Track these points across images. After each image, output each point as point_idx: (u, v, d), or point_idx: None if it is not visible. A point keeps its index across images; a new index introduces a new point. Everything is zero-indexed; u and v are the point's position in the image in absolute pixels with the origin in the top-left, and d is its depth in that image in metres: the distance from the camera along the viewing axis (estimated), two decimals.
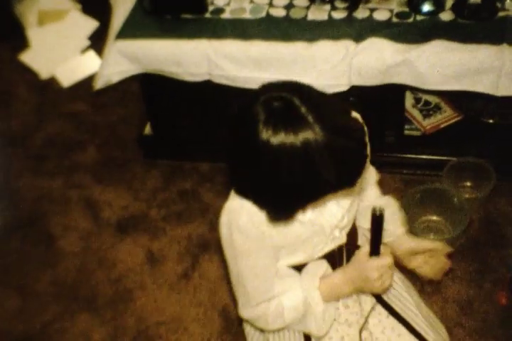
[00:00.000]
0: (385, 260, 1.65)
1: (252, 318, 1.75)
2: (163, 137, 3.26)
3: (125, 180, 3.25)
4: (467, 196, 2.80)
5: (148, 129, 3.26)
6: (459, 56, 2.49)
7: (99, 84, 2.88)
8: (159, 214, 3.09)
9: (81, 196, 3.20)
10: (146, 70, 2.84)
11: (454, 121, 3.03)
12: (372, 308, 1.89)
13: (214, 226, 2.95)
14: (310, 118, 1.31)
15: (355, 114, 1.49)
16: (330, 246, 1.75)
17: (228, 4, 2.81)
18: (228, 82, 2.76)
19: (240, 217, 1.57)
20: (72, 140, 3.45)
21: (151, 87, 3.03)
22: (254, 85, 2.66)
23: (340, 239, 1.78)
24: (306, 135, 1.31)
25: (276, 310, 1.70)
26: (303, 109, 1.32)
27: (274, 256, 1.67)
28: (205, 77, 2.77)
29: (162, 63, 2.77)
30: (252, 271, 1.66)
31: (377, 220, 1.56)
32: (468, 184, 2.89)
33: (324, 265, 1.76)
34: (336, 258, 1.80)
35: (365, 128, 1.45)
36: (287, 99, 1.34)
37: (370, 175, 1.90)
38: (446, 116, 3.04)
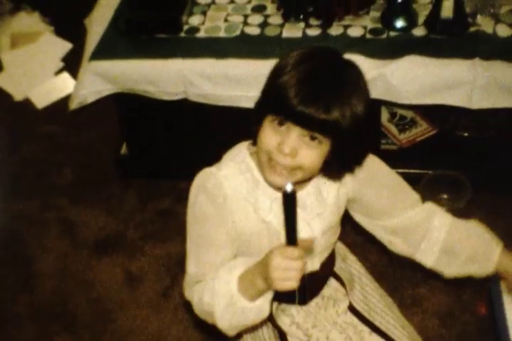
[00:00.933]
0: (293, 252, 1.40)
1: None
2: (140, 156, 3.26)
3: (102, 200, 3.23)
4: (444, 208, 2.82)
5: (124, 149, 3.26)
6: (432, 70, 2.53)
7: (74, 104, 2.87)
8: (137, 234, 3.07)
9: (58, 217, 3.18)
10: (121, 90, 2.84)
11: (429, 135, 3.07)
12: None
13: None
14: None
15: None
16: None
17: (203, 23, 2.83)
18: (204, 100, 2.77)
19: (210, 180, 1.64)
20: (47, 161, 3.44)
21: (127, 106, 3.03)
22: (230, 103, 2.73)
23: (311, 265, 1.79)
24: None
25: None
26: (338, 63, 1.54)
27: (230, 238, 1.67)
28: (181, 96, 2.78)
29: (137, 83, 2.78)
30: (205, 239, 1.68)
31: (288, 199, 1.30)
32: (445, 196, 2.93)
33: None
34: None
35: None
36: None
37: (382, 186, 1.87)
38: (421, 130, 3.08)
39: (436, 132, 3.07)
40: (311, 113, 1.42)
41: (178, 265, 2.93)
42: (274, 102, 1.48)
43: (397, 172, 2.99)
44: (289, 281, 1.43)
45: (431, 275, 2.71)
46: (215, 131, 3.04)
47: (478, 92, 2.53)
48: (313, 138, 1.48)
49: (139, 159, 3.27)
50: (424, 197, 2.78)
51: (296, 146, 1.48)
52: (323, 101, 1.43)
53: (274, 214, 1.65)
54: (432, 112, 3.09)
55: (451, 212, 2.82)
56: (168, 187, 3.23)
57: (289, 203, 1.31)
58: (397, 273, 2.78)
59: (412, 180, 2.91)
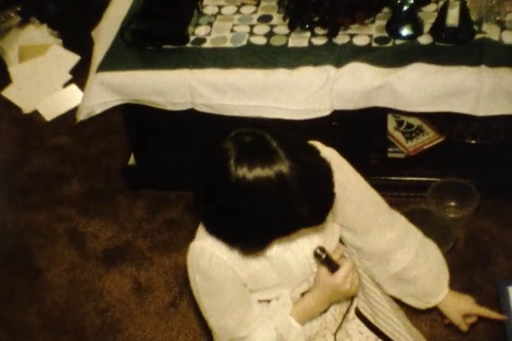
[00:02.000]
0: (346, 268, 1.63)
1: None
2: (147, 167, 3.27)
3: (110, 211, 3.24)
4: (452, 216, 2.84)
5: (132, 160, 3.26)
6: (438, 78, 2.53)
7: (82, 115, 2.89)
8: (145, 244, 3.08)
9: (66, 228, 3.19)
10: (128, 101, 2.86)
11: (436, 142, 3.07)
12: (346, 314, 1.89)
13: None
14: (281, 153, 1.32)
15: (326, 153, 1.47)
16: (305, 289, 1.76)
17: (209, 34, 2.84)
18: (211, 111, 2.78)
19: (199, 260, 1.60)
20: (56, 173, 3.45)
21: (134, 117, 3.05)
22: (237, 113, 2.74)
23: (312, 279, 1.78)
24: (280, 168, 1.31)
25: None
26: (274, 144, 1.33)
27: (242, 292, 1.67)
28: (188, 106, 2.79)
29: (144, 93, 2.79)
30: (218, 309, 1.67)
31: (322, 260, 1.60)
32: (453, 204, 2.93)
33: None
34: None
35: (332, 169, 1.42)
36: (259, 134, 1.34)
37: (370, 217, 1.81)
38: (428, 138, 3.08)
39: (444, 140, 3.07)
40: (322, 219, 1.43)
41: (186, 275, 2.92)
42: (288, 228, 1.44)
43: (405, 180, 3.04)
44: (355, 282, 1.67)
45: None
46: (221, 141, 3.04)
47: (485, 99, 2.53)
48: None
49: (147, 170, 3.28)
50: (432, 205, 2.81)
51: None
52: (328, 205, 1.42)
53: (276, 246, 1.63)
54: (439, 120, 3.09)
55: (459, 219, 2.84)
56: (175, 198, 3.24)
57: (326, 258, 1.59)
58: None
59: (419, 188, 2.94)
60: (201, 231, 1.62)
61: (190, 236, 3.08)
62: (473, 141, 3.01)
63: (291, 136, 1.41)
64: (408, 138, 3.09)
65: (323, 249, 1.57)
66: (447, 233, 2.72)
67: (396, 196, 3.01)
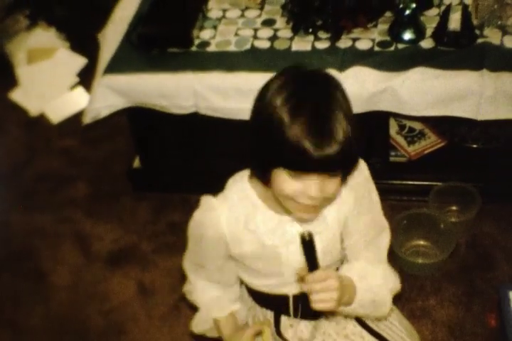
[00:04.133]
0: (326, 272, 1.50)
1: None
2: (153, 170, 3.28)
3: (115, 213, 3.26)
4: (453, 220, 2.84)
5: (137, 162, 3.28)
6: (440, 82, 2.54)
7: (87, 118, 2.91)
8: (150, 247, 3.10)
9: (71, 230, 3.21)
10: (133, 104, 2.87)
11: (438, 146, 3.07)
12: None
13: None
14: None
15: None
16: (289, 290, 1.79)
17: (214, 37, 2.86)
18: (215, 114, 2.79)
19: (204, 211, 1.72)
20: (62, 175, 3.47)
21: (139, 120, 3.06)
22: (241, 116, 2.75)
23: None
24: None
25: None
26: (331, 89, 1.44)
27: (220, 262, 1.78)
28: (192, 110, 2.80)
29: (149, 97, 2.81)
30: (194, 254, 1.87)
31: (307, 243, 1.44)
32: (454, 208, 2.93)
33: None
34: (289, 303, 1.83)
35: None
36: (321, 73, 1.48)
37: (362, 233, 1.76)
38: (430, 142, 3.08)
39: (446, 144, 3.07)
40: (330, 159, 1.37)
41: None
42: (291, 161, 1.40)
43: (406, 185, 3.04)
44: (329, 302, 1.49)
45: (440, 287, 2.74)
46: (226, 144, 3.06)
47: (486, 104, 2.53)
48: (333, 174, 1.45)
49: (152, 172, 3.29)
50: (433, 209, 2.81)
51: (321, 186, 1.44)
52: (337, 145, 1.36)
53: (275, 238, 1.66)
54: (440, 124, 3.10)
55: (461, 223, 2.85)
56: (180, 200, 3.25)
57: (309, 246, 1.44)
58: (407, 285, 2.78)
59: (421, 192, 2.95)
60: (222, 195, 1.71)
61: None
62: (475, 145, 3.01)
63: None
64: (410, 142, 3.09)
65: (310, 234, 1.43)
66: (449, 237, 2.73)
67: (398, 200, 3.03)
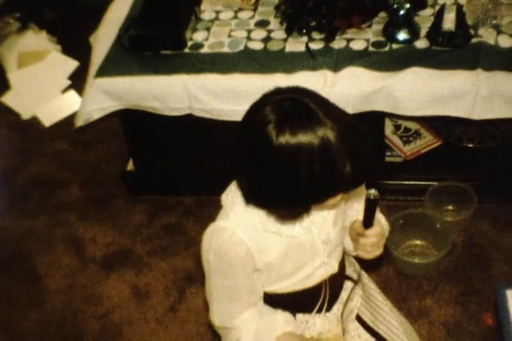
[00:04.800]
0: (378, 229, 1.68)
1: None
2: (146, 172, 3.27)
3: (109, 216, 3.24)
4: (450, 219, 2.84)
5: (130, 165, 3.27)
6: (435, 82, 2.54)
7: (80, 121, 2.90)
8: (144, 249, 3.08)
9: (65, 234, 3.19)
10: (126, 106, 2.86)
11: (434, 146, 3.07)
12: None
13: (199, 259, 2.96)
14: (322, 116, 1.34)
15: None
16: (321, 274, 1.76)
17: (207, 39, 2.85)
18: (209, 116, 2.79)
19: (218, 237, 1.60)
20: (55, 178, 3.46)
21: (132, 122, 3.05)
22: (235, 118, 2.73)
23: (332, 267, 1.79)
24: (322, 131, 1.33)
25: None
26: (314, 107, 1.35)
27: (251, 282, 1.69)
28: (186, 111, 2.80)
29: (142, 99, 2.80)
30: (224, 290, 1.69)
31: (372, 204, 1.57)
32: (450, 207, 2.94)
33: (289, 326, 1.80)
34: (322, 291, 1.81)
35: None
36: (297, 99, 1.37)
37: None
38: (426, 142, 3.08)
39: (441, 144, 3.07)
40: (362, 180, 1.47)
41: (185, 279, 2.94)
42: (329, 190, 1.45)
43: (402, 184, 3.04)
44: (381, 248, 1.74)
45: (437, 287, 2.74)
46: (220, 146, 3.05)
47: (481, 103, 2.54)
48: None
49: (145, 175, 3.28)
50: (430, 209, 2.82)
51: None
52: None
53: (296, 228, 1.64)
54: (436, 124, 3.10)
55: (457, 223, 2.85)
56: (174, 203, 3.25)
57: (373, 204, 1.57)
58: (404, 285, 2.78)
59: (417, 192, 2.95)
60: (224, 212, 1.64)
61: (189, 241, 3.12)
62: (470, 145, 3.01)
63: (327, 100, 1.44)
64: (406, 142, 3.09)
65: (378, 193, 1.55)
66: (445, 237, 2.73)
67: (394, 200, 3.03)
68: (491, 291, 2.45)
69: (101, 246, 3.13)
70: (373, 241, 1.68)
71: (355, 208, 1.82)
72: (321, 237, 1.69)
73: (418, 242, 2.85)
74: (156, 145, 3.13)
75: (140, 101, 2.82)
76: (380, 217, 1.77)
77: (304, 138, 1.33)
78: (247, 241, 1.59)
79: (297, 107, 1.36)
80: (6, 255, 3.15)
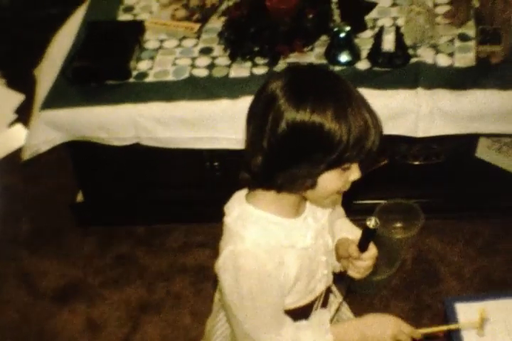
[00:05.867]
0: (374, 252, 1.69)
1: None
2: (96, 203, 3.26)
3: (60, 249, 3.21)
4: (398, 236, 2.87)
5: (80, 196, 3.25)
6: (377, 102, 2.50)
7: (27, 154, 2.88)
8: (97, 280, 3.05)
9: (16, 268, 3.15)
10: (73, 138, 2.85)
11: (380, 165, 3.07)
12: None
13: (152, 287, 2.97)
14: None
15: None
16: (321, 288, 1.77)
17: (151, 68, 2.86)
18: (157, 144, 2.79)
19: (246, 261, 1.55)
20: (5, 213, 3.41)
21: (80, 153, 3.04)
22: (183, 145, 2.75)
23: (329, 279, 1.81)
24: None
25: None
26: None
27: (280, 298, 1.66)
28: (134, 141, 2.80)
29: (89, 130, 2.80)
30: (262, 311, 1.63)
31: (371, 232, 1.62)
32: (399, 225, 2.97)
33: (327, 314, 1.81)
34: (314, 306, 1.80)
35: None
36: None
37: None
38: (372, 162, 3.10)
39: (387, 162, 3.08)
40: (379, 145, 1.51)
41: (138, 309, 2.92)
42: (360, 152, 1.48)
43: (350, 204, 3.05)
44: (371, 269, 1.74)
45: (389, 304, 2.75)
46: (168, 174, 3.06)
47: (423, 121, 2.58)
48: None
49: (95, 206, 3.26)
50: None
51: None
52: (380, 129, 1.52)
53: (309, 237, 1.64)
54: (381, 143, 3.11)
55: (406, 239, 2.87)
56: (126, 233, 3.23)
57: (372, 232, 1.62)
58: (356, 303, 2.77)
59: (365, 211, 2.96)
60: (235, 235, 1.59)
61: (141, 270, 3.10)
62: (415, 162, 3.04)
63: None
64: None
65: (377, 222, 1.59)
66: (395, 254, 2.75)
67: None
68: (441, 305, 2.46)
69: (52, 280, 3.09)
70: (369, 264, 1.71)
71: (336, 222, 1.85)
72: (322, 248, 1.70)
73: None
74: (104, 175, 3.12)
75: (86, 133, 2.81)
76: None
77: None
78: (269, 259, 1.56)
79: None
80: None
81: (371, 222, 1.58)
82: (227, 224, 1.61)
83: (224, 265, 1.58)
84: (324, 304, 1.86)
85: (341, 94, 1.47)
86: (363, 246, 1.66)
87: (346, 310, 2.09)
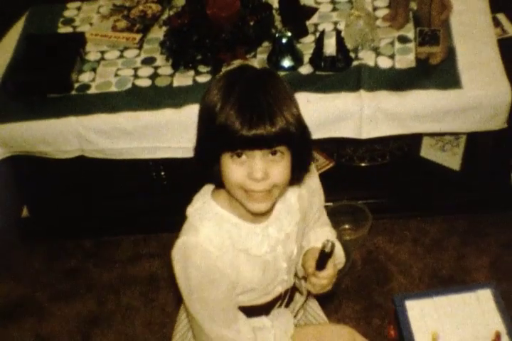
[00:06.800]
0: (333, 271, 1.71)
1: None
2: (42, 217, 3.21)
3: (6, 266, 3.14)
4: (348, 238, 2.90)
5: (25, 211, 3.20)
6: (321, 105, 2.61)
7: None
8: (45, 296, 3.00)
9: None
10: (16, 152, 2.83)
11: (327, 168, 3.12)
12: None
13: (102, 300, 2.94)
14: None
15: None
16: (279, 290, 1.80)
17: (93, 80, 2.85)
18: (101, 156, 2.78)
19: (195, 253, 1.59)
20: None
21: (24, 168, 3.01)
22: (128, 156, 2.74)
23: (289, 283, 1.82)
24: None
25: None
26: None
27: (230, 293, 1.68)
28: (78, 153, 2.79)
29: (31, 144, 2.77)
30: (210, 304, 1.66)
31: (326, 255, 1.63)
32: (347, 226, 3.00)
33: (291, 321, 1.85)
34: (276, 304, 1.84)
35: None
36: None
37: (319, 198, 1.90)
38: (319, 165, 3.12)
39: (334, 165, 3.14)
40: (263, 133, 1.43)
41: (88, 323, 2.88)
42: (226, 141, 1.46)
43: None
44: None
45: (340, 305, 2.77)
46: (114, 185, 3.04)
47: (367, 123, 2.62)
48: (274, 153, 1.49)
49: (41, 220, 3.21)
50: None
51: (265, 167, 1.49)
52: (267, 119, 1.43)
53: (267, 246, 1.67)
54: (327, 146, 3.16)
55: (355, 241, 2.90)
56: (73, 246, 3.18)
57: (328, 254, 1.63)
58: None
59: None
60: (191, 227, 1.63)
61: (90, 284, 3.06)
62: (362, 164, 3.10)
63: None
64: None
65: (333, 246, 1.61)
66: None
67: None
68: (392, 303, 2.49)
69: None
70: (324, 283, 1.70)
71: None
72: (284, 256, 1.72)
73: None
74: (49, 189, 3.09)
75: (29, 147, 2.79)
76: (338, 255, 1.83)
77: None
78: (217, 257, 1.60)
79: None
80: None
81: (327, 246, 1.61)
82: (188, 214, 1.66)
83: (176, 255, 1.63)
84: (288, 303, 1.90)
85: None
86: (319, 266, 1.67)
87: (316, 308, 2.12)
